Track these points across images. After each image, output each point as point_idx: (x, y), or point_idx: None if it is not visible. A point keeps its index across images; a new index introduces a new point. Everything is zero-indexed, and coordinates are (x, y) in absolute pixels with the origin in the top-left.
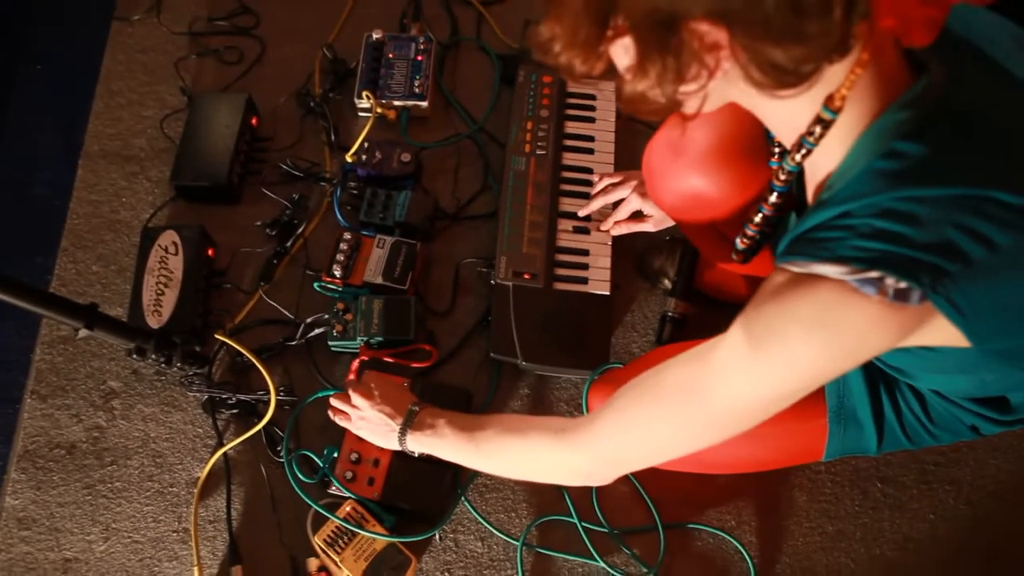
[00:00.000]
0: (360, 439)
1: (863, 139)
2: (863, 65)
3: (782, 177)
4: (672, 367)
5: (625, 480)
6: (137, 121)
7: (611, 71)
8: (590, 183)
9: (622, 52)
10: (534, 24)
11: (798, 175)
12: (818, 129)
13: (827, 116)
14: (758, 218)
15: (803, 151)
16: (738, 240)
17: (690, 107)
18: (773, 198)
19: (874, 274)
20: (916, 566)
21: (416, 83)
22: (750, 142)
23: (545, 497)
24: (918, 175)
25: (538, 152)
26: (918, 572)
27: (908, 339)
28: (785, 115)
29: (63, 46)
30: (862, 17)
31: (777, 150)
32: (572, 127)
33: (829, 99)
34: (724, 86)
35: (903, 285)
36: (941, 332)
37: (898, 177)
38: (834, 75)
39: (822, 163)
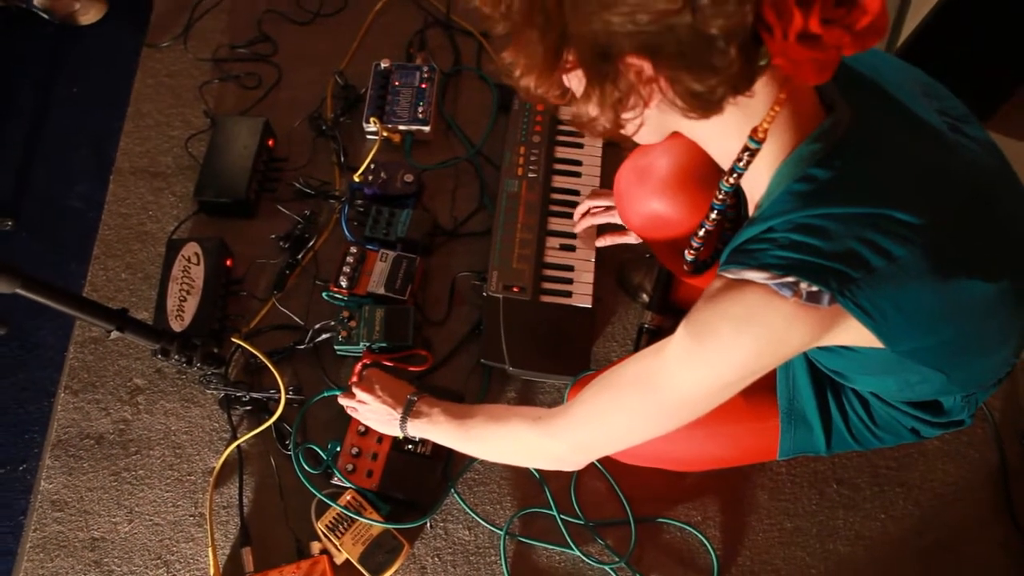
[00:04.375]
0: (360, 435)
1: (784, 166)
2: (781, 103)
3: (720, 197)
4: (630, 364)
5: (600, 477)
6: (164, 140)
7: (566, 93)
8: (577, 204)
9: (576, 79)
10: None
11: (741, 196)
12: (746, 156)
13: (752, 146)
14: (701, 232)
15: (734, 175)
16: (686, 252)
17: (629, 131)
18: (713, 215)
19: (790, 279)
20: (866, 560)
21: (420, 109)
22: (705, 169)
23: (528, 490)
24: (827, 196)
25: (530, 175)
26: (868, 566)
27: (827, 338)
28: (720, 143)
29: (97, 70)
30: (763, 57)
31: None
32: (562, 152)
33: (754, 131)
34: (661, 115)
35: (814, 288)
36: (854, 332)
37: (811, 197)
38: (758, 111)
39: (754, 186)
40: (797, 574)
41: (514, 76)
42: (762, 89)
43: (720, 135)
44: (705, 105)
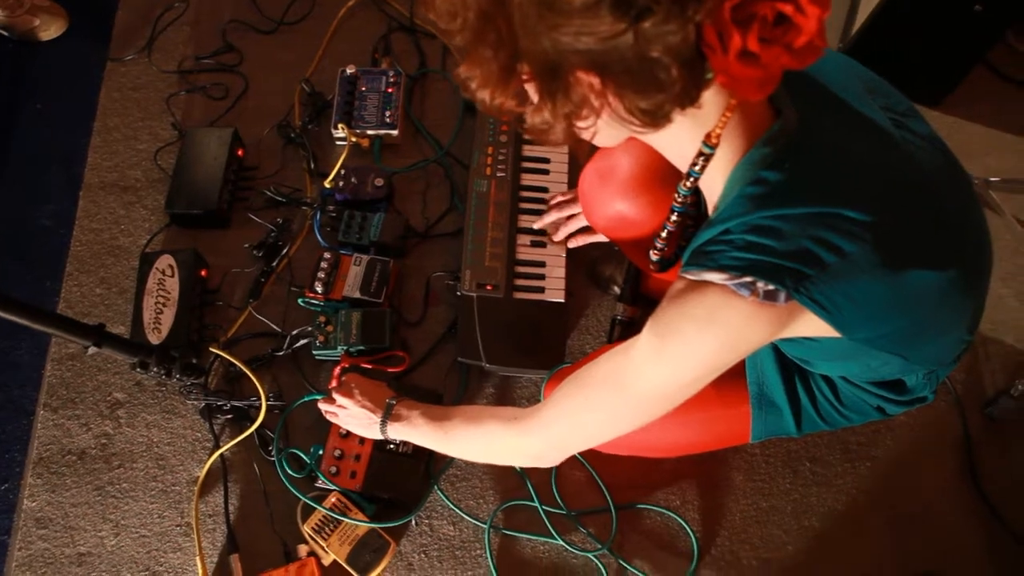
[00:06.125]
0: (342, 438)
1: (736, 170)
2: (732, 109)
3: (678, 200)
4: (600, 363)
5: (580, 467)
6: (133, 154)
7: (523, 104)
8: (546, 201)
9: (532, 90)
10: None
11: (701, 195)
12: (700, 161)
13: (706, 151)
14: (664, 233)
15: (691, 179)
16: (651, 252)
17: (585, 137)
18: (673, 217)
19: (747, 279)
20: (841, 535)
21: (387, 113)
22: (665, 170)
23: (509, 484)
24: (779, 197)
25: (498, 174)
26: (842, 540)
27: (787, 331)
28: (676, 148)
29: (61, 85)
30: (709, 71)
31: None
32: (529, 150)
33: (707, 137)
34: (614, 124)
35: (771, 287)
36: (812, 325)
37: (763, 199)
38: (710, 117)
39: (711, 188)
40: (774, 551)
41: (471, 89)
42: (712, 98)
43: (675, 141)
44: (652, 120)
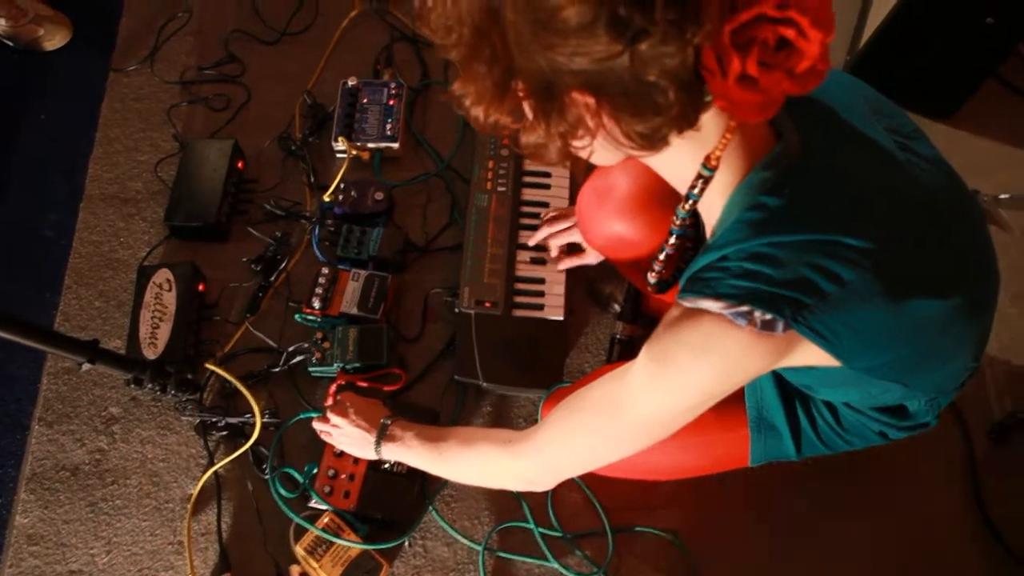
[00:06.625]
0: (337, 457)
1: (735, 194)
2: (732, 131)
3: (676, 222)
4: (596, 387)
5: (577, 488)
6: (133, 166)
7: (517, 122)
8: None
9: (527, 108)
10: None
11: (699, 217)
12: (699, 184)
13: (705, 173)
14: (662, 256)
15: (689, 202)
16: (649, 275)
17: (582, 156)
18: (672, 239)
19: (744, 308)
20: (843, 558)
21: (388, 126)
22: (663, 190)
23: (505, 505)
24: (778, 224)
25: (499, 189)
26: (843, 562)
27: (785, 361)
28: (675, 170)
29: (64, 96)
30: (707, 94)
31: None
32: (530, 165)
33: (707, 159)
34: (610, 145)
35: (768, 317)
36: (811, 353)
37: (762, 226)
38: (709, 139)
39: (710, 211)
40: (774, 575)
41: (464, 106)
42: (711, 120)
43: (674, 163)
44: (649, 143)
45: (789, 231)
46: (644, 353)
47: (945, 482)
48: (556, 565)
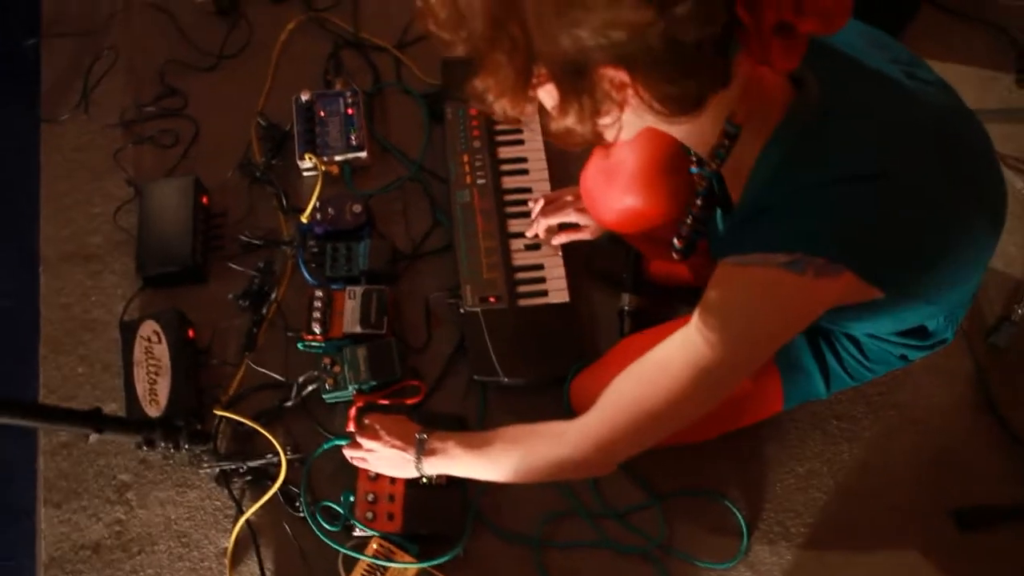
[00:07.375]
0: (372, 480)
1: (769, 146)
2: (752, 85)
3: (703, 184)
4: (644, 361)
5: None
6: (89, 219)
7: (540, 111)
8: (529, 203)
9: (547, 95)
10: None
11: (719, 178)
12: (727, 141)
13: (732, 131)
14: (689, 220)
15: (717, 161)
16: (675, 241)
17: (609, 136)
18: (698, 201)
19: (797, 256)
20: (876, 485)
21: (352, 136)
22: (670, 158)
23: (548, 496)
24: (815, 168)
25: (479, 182)
26: (876, 488)
27: (840, 301)
28: (696, 133)
29: None
30: (736, 51)
31: (695, 158)
32: (505, 152)
33: (731, 116)
34: (637, 116)
35: (822, 261)
36: (863, 291)
37: (800, 173)
38: (731, 96)
39: (737, 167)
40: (818, 514)
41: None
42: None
43: (695, 126)
44: (682, 108)
45: (830, 173)
46: (699, 315)
47: (958, 395)
48: (612, 546)
